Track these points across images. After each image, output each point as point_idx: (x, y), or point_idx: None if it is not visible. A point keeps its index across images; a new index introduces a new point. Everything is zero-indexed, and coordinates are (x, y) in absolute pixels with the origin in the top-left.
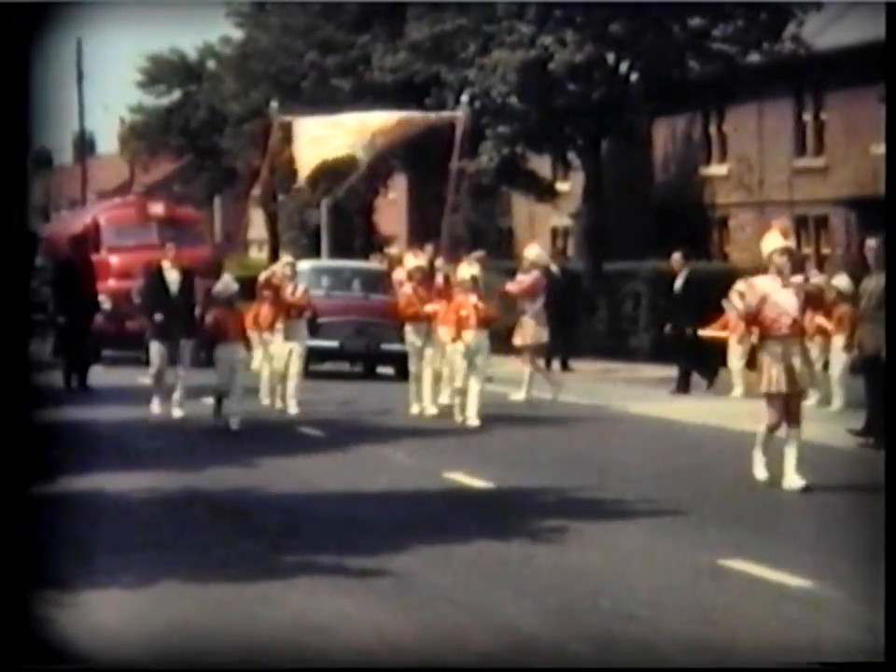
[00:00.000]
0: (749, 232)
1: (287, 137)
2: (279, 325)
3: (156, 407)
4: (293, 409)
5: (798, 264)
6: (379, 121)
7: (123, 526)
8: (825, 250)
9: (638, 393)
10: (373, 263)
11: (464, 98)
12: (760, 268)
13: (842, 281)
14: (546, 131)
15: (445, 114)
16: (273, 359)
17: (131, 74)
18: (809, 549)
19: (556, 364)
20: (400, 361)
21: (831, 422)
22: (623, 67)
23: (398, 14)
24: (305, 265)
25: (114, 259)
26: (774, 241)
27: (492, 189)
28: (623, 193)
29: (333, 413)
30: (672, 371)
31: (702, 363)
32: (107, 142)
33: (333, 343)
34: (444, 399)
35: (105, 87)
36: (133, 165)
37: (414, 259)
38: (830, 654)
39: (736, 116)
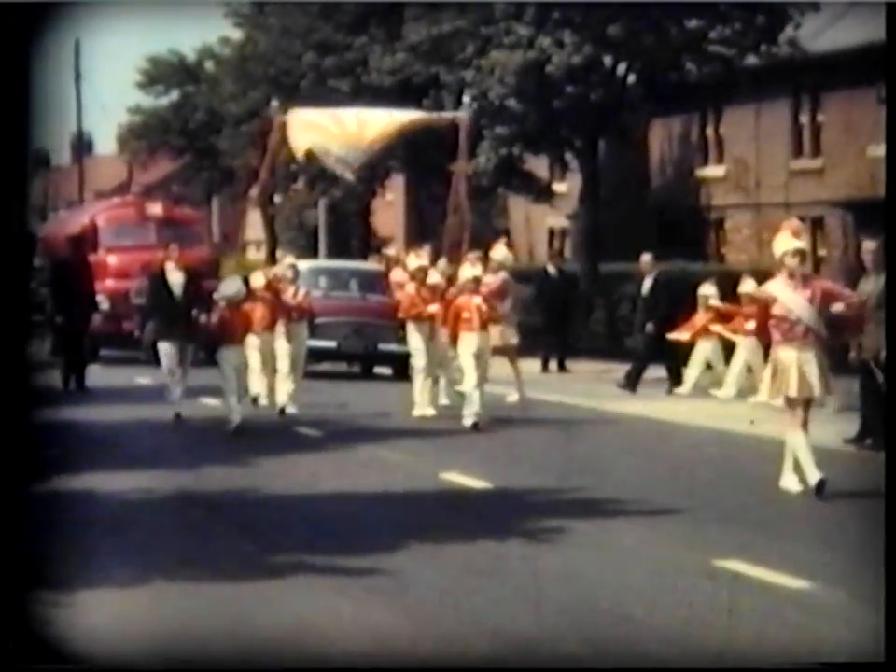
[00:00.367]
0: (746, 234)
1: (286, 137)
2: (280, 327)
3: (177, 402)
4: (293, 409)
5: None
6: (377, 128)
7: (119, 526)
8: (822, 252)
9: (634, 394)
10: (371, 264)
11: (466, 99)
12: (732, 268)
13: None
14: (543, 132)
15: (448, 114)
16: (276, 361)
17: (129, 74)
18: (806, 549)
19: (553, 364)
20: (398, 362)
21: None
22: (621, 69)
23: (396, 15)
24: (303, 266)
25: (112, 260)
26: (785, 242)
27: (489, 190)
28: (620, 194)
29: (330, 413)
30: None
31: (669, 365)
32: (105, 142)
33: (331, 344)
34: (444, 399)
35: (103, 87)
36: (131, 165)
37: (417, 260)
38: (827, 655)
39: (733, 117)
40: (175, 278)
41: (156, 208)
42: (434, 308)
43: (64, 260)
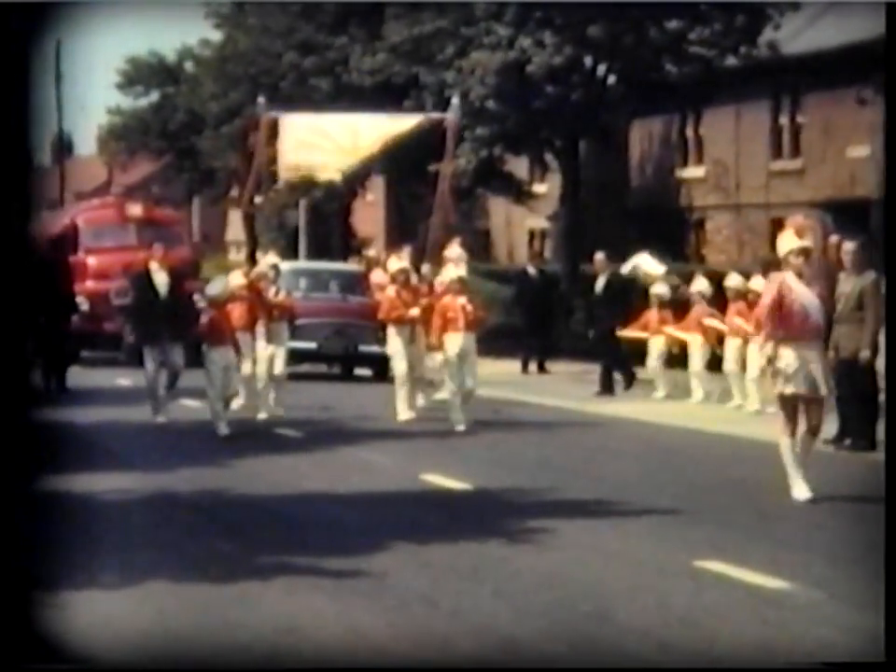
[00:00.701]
0: (726, 234)
1: (273, 134)
2: (260, 327)
3: (156, 414)
4: (278, 411)
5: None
6: (370, 140)
7: (97, 528)
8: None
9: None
10: (351, 265)
11: (454, 101)
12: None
13: (760, 283)
14: (524, 132)
15: (436, 115)
16: (256, 362)
17: (109, 75)
18: (785, 549)
19: (534, 366)
20: (378, 363)
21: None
22: (601, 70)
23: (376, 16)
24: (283, 267)
25: (91, 261)
26: (789, 241)
27: (469, 191)
28: (600, 195)
29: (311, 414)
30: (645, 374)
31: (622, 364)
32: (85, 143)
33: (311, 345)
34: (421, 401)
35: (83, 88)
36: (111, 167)
37: (398, 262)
38: (806, 654)
39: (713, 118)
40: (160, 279)
41: (136, 209)
42: (415, 311)
43: (45, 261)
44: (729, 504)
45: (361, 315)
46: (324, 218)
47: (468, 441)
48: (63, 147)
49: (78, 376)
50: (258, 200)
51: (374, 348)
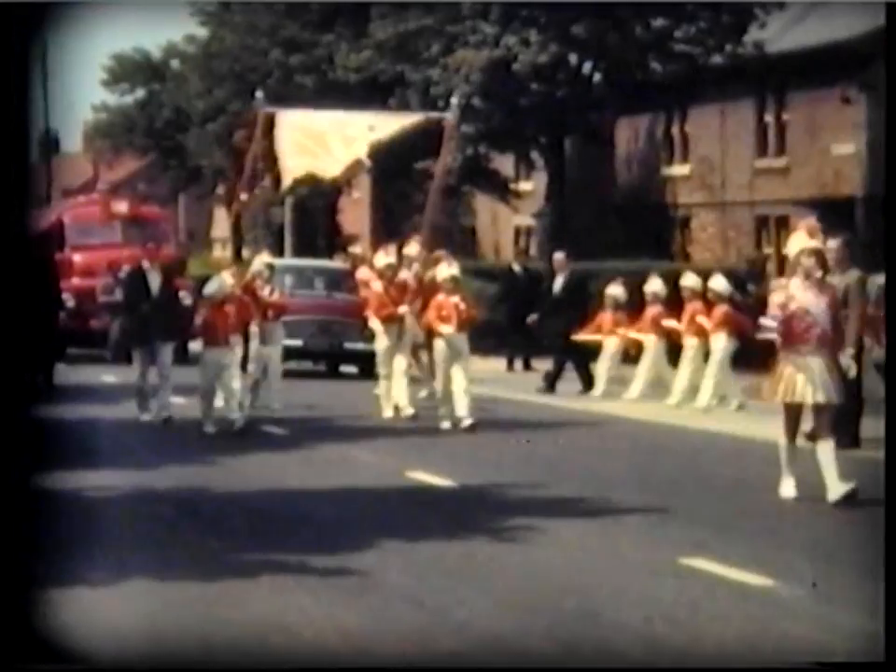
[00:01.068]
0: (711, 232)
1: (269, 129)
2: (253, 327)
3: (142, 412)
4: (275, 410)
5: (761, 264)
6: (364, 142)
7: (83, 525)
8: (786, 250)
9: (600, 392)
10: (336, 262)
11: (454, 101)
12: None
13: (718, 282)
14: (509, 130)
15: (435, 115)
16: (251, 361)
17: (95, 72)
18: (770, 547)
19: (519, 363)
20: (364, 360)
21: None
22: (587, 68)
23: (362, 13)
24: None
25: (77, 258)
26: (800, 241)
27: (455, 189)
28: (585, 193)
29: (297, 412)
30: (631, 372)
31: (579, 365)
32: (72, 140)
33: (297, 342)
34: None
35: (69, 85)
36: (96, 164)
37: (385, 258)
38: (791, 653)
39: (699, 116)
40: (153, 277)
41: (122, 206)
42: (404, 309)
43: (31, 258)
44: (714, 501)
45: (347, 313)
46: (310, 216)
47: (452, 439)
48: (50, 144)
49: (64, 373)
50: (243, 197)
51: (360, 345)
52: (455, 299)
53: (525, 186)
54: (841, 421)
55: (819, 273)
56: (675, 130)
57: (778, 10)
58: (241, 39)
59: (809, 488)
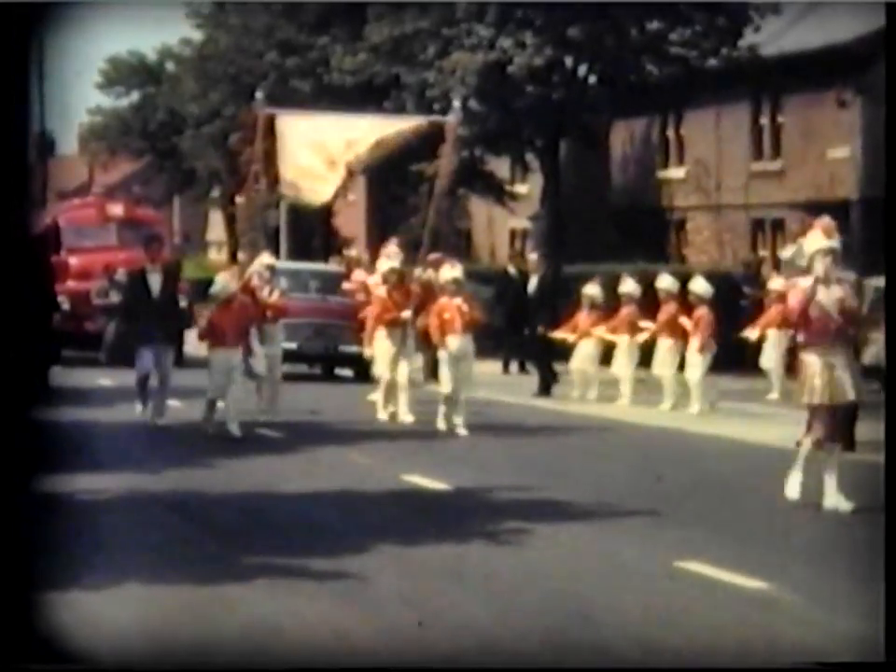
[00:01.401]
0: (706, 235)
1: (269, 131)
2: (252, 329)
3: (142, 412)
4: (275, 414)
5: (756, 267)
6: (364, 147)
7: (79, 528)
8: (781, 253)
9: (594, 396)
10: (331, 265)
11: (456, 104)
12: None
13: (699, 285)
14: (505, 133)
15: (437, 119)
16: (258, 362)
17: (91, 75)
18: (764, 550)
19: (514, 366)
20: (359, 363)
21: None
22: (582, 70)
23: (357, 16)
24: None
25: (73, 260)
26: (816, 241)
27: (451, 191)
28: (581, 195)
29: (292, 415)
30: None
31: (542, 365)
32: (67, 142)
33: (291, 345)
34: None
35: (65, 87)
36: (92, 166)
37: (388, 262)
38: (785, 655)
39: (694, 119)
40: (154, 279)
41: (117, 209)
42: (408, 314)
43: (26, 260)
44: (709, 504)
45: (342, 316)
46: (305, 218)
47: (447, 442)
48: (46, 146)
49: (60, 376)
50: (239, 199)
51: (355, 348)
52: (459, 300)
53: (520, 188)
54: (839, 424)
55: (835, 273)
56: (670, 132)
57: (773, 13)
58: (236, 42)
59: (809, 492)
